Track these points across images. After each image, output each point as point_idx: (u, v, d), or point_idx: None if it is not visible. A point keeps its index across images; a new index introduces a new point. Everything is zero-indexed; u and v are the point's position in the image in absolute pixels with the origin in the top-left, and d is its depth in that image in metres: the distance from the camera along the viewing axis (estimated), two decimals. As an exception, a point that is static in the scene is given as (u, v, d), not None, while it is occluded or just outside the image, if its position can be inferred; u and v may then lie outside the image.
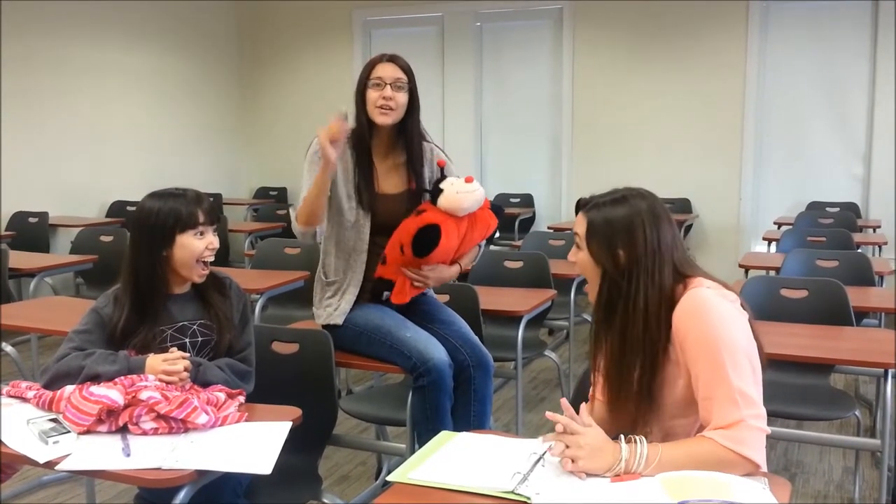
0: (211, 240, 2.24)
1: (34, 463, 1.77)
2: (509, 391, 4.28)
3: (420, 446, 1.85)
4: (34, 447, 1.80)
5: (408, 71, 2.74)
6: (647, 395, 1.71)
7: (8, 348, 3.68)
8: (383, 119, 2.70)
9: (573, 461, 1.58)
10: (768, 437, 1.62)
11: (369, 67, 2.74)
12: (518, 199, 7.78)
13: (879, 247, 5.66)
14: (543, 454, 1.67)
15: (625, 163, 7.37)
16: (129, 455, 1.77)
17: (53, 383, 2.05)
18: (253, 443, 1.86)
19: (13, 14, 6.28)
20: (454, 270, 2.79)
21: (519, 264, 4.09)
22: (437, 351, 2.58)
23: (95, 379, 2.01)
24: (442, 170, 2.76)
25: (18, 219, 6.24)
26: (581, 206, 1.81)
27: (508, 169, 7.99)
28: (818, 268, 3.96)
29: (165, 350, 2.13)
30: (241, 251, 6.21)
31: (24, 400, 2.05)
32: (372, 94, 2.69)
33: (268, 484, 2.15)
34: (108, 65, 7.20)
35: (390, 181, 2.79)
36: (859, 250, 4.61)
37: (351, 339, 2.71)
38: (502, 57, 7.91)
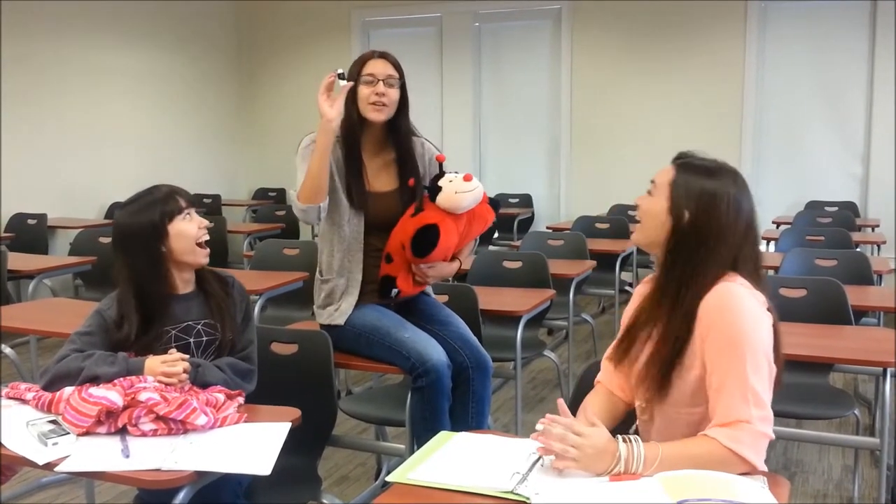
0: (200, 220, 2.25)
1: (33, 464, 1.77)
2: (508, 391, 4.28)
3: (418, 447, 1.85)
4: (33, 449, 1.80)
5: (399, 68, 2.74)
6: (665, 371, 1.69)
7: (7, 350, 3.68)
8: (376, 115, 2.69)
9: (575, 461, 1.58)
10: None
11: (360, 64, 2.72)
12: (517, 200, 7.78)
13: (878, 246, 5.66)
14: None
15: (623, 162, 7.38)
16: (128, 456, 1.77)
17: (52, 385, 2.05)
18: (252, 444, 1.86)
19: (12, 15, 6.27)
20: (454, 266, 2.79)
21: (518, 264, 4.09)
22: (435, 352, 2.58)
23: (94, 380, 2.01)
24: (440, 166, 2.75)
25: (17, 220, 6.23)
26: (676, 158, 1.78)
27: (507, 169, 8.00)
28: (817, 267, 3.97)
29: (168, 350, 2.13)
30: (240, 252, 6.21)
31: (24, 402, 2.05)
32: (364, 91, 2.68)
33: (267, 485, 2.14)
34: (108, 66, 7.20)
35: (381, 179, 2.78)
36: (858, 249, 4.62)
37: (350, 340, 2.71)
38: (501, 57, 7.91)
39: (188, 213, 2.23)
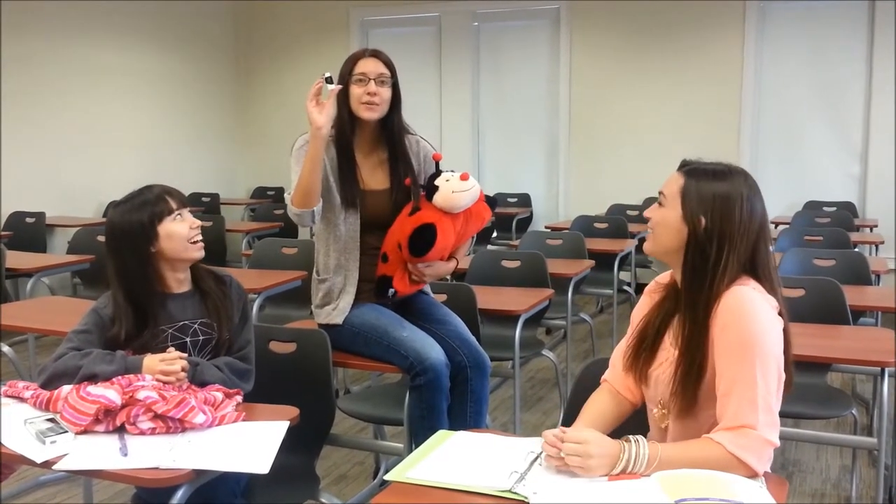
0: (192, 220, 2.24)
1: (32, 463, 1.77)
2: (507, 390, 4.29)
3: (417, 446, 1.85)
4: (32, 447, 1.80)
5: (391, 66, 2.73)
6: (694, 384, 1.68)
7: (5, 348, 3.68)
8: (369, 114, 2.68)
9: (582, 469, 1.57)
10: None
11: (351, 63, 2.70)
12: (515, 199, 7.78)
13: (876, 246, 5.67)
14: (541, 453, 1.67)
15: (621, 162, 7.39)
16: (126, 455, 1.77)
17: (51, 383, 2.05)
18: (250, 442, 1.86)
19: (11, 15, 6.27)
20: (451, 265, 2.79)
21: (516, 264, 4.09)
22: (433, 351, 2.58)
23: (93, 379, 2.01)
24: (437, 164, 2.74)
25: (15, 219, 6.23)
26: (681, 166, 1.76)
27: (505, 168, 8.00)
28: (815, 267, 3.97)
29: (165, 349, 2.13)
30: (239, 251, 6.21)
31: (22, 400, 2.05)
32: (356, 90, 2.67)
33: (265, 483, 2.14)
34: (106, 66, 7.19)
35: (375, 177, 2.77)
36: (856, 249, 4.62)
37: (348, 339, 2.71)
38: (499, 57, 7.91)
39: (179, 214, 2.22)
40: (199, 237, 2.25)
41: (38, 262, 4.58)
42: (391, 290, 2.70)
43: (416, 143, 2.85)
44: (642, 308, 1.86)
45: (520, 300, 3.46)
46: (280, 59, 8.61)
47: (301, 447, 2.27)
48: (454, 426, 2.55)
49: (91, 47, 7.04)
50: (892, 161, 6.59)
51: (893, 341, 2.68)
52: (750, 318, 1.62)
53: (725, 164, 1.74)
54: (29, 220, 6.20)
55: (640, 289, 1.93)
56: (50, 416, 1.94)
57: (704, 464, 1.55)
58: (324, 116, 2.52)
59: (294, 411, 2.03)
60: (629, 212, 6.44)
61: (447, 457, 1.73)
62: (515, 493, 1.53)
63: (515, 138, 7.93)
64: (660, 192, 1.75)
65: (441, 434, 1.86)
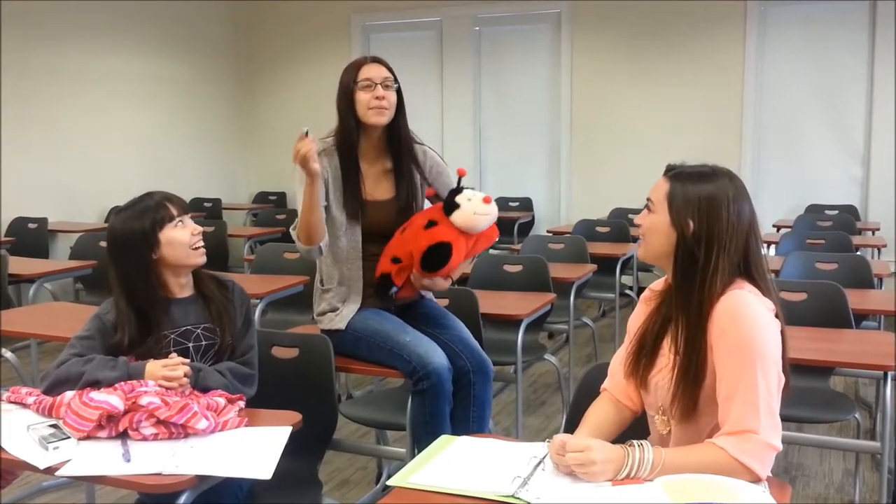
0: (193, 226, 2.25)
1: (34, 469, 1.77)
2: (509, 395, 4.28)
3: (419, 451, 1.85)
4: (34, 453, 1.80)
5: (393, 71, 2.73)
6: (694, 390, 1.68)
7: (8, 354, 3.67)
8: (378, 119, 2.67)
9: (586, 475, 1.57)
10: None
11: (355, 70, 2.70)
12: (517, 203, 7.78)
13: (878, 249, 5.66)
14: (544, 458, 1.67)
15: (623, 166, 7.38)
16: (129, 460, 1.77)
17: (53, 389, 2.05)
18: (253, 448, 1.86)
19: (12, 20, 6.28)
20: (447, 284, 2.75)
21: (518, 268, 4.09)
22: (436, 355, 2.58)
23: (95, 385, 2.01)
24: (459, 180, 2.69)
25: (18, 224, 6.24)
26: (667, 171, 1.77)
27: (507, 173, 8.00)
28: (817, 270, 3.97)
29: (167, 355, 2.13)
30: (241, 256, 6.21)
31: (25, 406, 2.05)
32: (363, 96, 2.66)
33: (268, 489, 2.15)
34: (107, 71, 7.21)
35: (380, 187, 2.77)
36: (858, 253, 4.62)
37: (351, 344, 2.71)
38: (501, 61, 7.92)
39: (180, 221, 2.22)
40: (201, 243, 2.25)
41: (40, 267, 4.58)
42: (393, 289, 2.68)
43: (424, 154, 2.84)
44: (639, 316, 1.86)
45: (522, 304, 3.46)
46: (282, 63, 8.62)
47: (304, 452, 2.26)
48: (457, 431, 2.55)
49: (93, 52, 7.06)
50: (893, 164, 6.58)
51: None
52: (749, 322, 1.62)
53: (710, 165, 1.75)
54: (31, 225, 6.21)
55: (642, 293, 1.93)
56: (53, 421, 1.94)
57: (707, 468, 1.55)
58: (317, 163, 2.49)
59: (296, 416, 2.03)
60: (631, 216, 6.43)
61: (450, 462, 1.73)
62: (518, 498, 1.53)
63: (517, 142, 7.94)
64: (648, 199, 1.76)
65: (444, 439, 1.86)
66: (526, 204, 7.79)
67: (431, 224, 2.60)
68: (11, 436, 1.87)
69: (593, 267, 4.52)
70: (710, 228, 1.67)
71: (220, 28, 8.51)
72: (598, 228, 5.80)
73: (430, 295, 2.93)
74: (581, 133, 7.60)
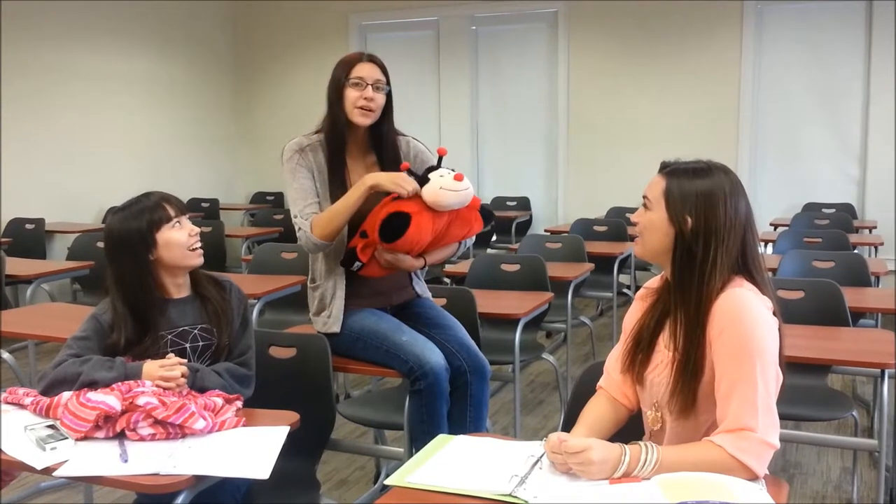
0: (191, 227, 2.24)
1: (32, 469, 1.77)
2: (507, 394, 4.28)
3: (417, 450, 1.85)
4: (32, 453, 1.80)
5: (386, 73, 2.72)
6: (692, 385, 1.68)
7: (5, 355, 3.67)
8: (363, 120, 2.67)
9: (584, 474, 1.57)
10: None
11: (348, 66, 2.68)
12: (514, 202, 7.79)
13: (875, 247, 5.67)
14: (541, 457, 1.67)
15: (620, 165, 7.39)
16: (126, 461, 1.77)
17: (51, 390, 2.05)
18: (251, 448, 1.86)
19: (8, 21, 6.27)
20: (417, 263, 2.69)
21: (516, 267, 4.09)
22: (433, 355, 2.58)
23: (92, 385, 2.01)
24: (440, 159, 2.67)
25: (15, 225, 6.23)
26: (662, 168, 1.77)
27: (504, 172, 8.01)
28: (814, 269, 3.97)
29: (164, 355, 2.13)
30: (238, 256, 6.21)
31: (22, 406, 2.05)
32: (352, 94, 2.65)
33: (266, 489, 2.15)
34: (105, 71, 7.20)
35: None
36: (855, 251, 4.62)
37: (348, 344, 2.71)
38: (498, 60, 7.92)
39: (178, 222, 2.22)
40: (199, 244, 2.25)
41: (37, 268, 4.58)
42: (357, 263, 2.64)
43: (407, 144, 2.84)
44: (634, 313, 1.87)
45: (519, 304, 3.46)
46: (279, 63, 8.62)
47: (301, 452, 2.27)
48: (454, 430, 2.55)
49: (90, 53, 7.05)
50: (891, 162, 6.59)
51: (893, 343, 2.68)
52: (748, 320, 1.62)
53: (705, 161, 1.75)
54: (28, 226, 6.20)
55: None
56: (50, 422, 1.94)
57: (705, 466, 1.55)
58: (411, 186, 2.52)
59: (294, 416, 2.03)
60: (628, 214, 6.40)
61: (447, 461, 1.73)
62: (516, 496, 1.53)
63: (514, 142, 7.94)
64: (644, 196, 1.76)
65: (441, 438, 1.86)
66: (523, 203, 7.79)
67: (398, 198, 2.56)
68: (9, 436, 1.87)
69: (591, 266, 4.52)
70: (707, 224, 1.67)
71: (218, 28, 8.50)
72: (596, 227, 5.81)
73: (427, 294, 2.93)
74: (578, 132, 7.60)
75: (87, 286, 5.22)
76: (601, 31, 7.44)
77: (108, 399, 1.89)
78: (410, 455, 2.19)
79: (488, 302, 3.40)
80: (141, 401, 1.89)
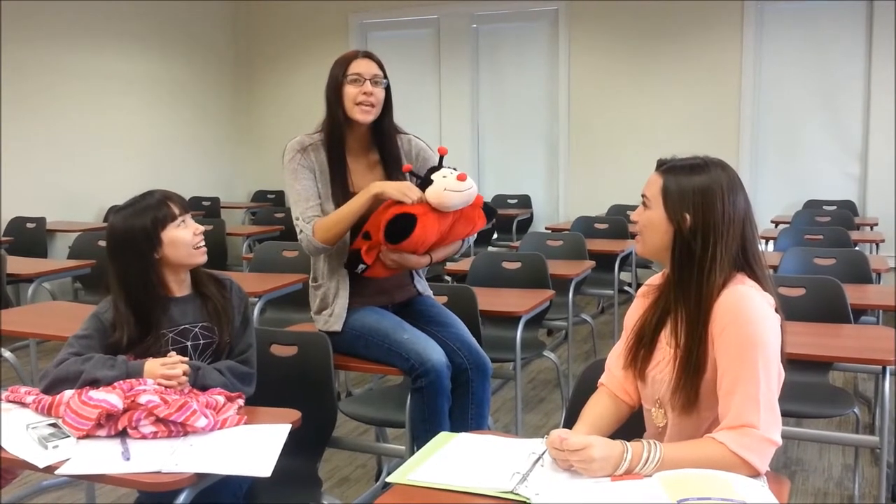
0: (195, 225, 2.24)
1: (34, 468, 1.77)
2: (508, 392, 4.29)
3: (418, 448, 1.85)
4: (34, 452, 1.80)
5: (383, 68, 2.71)
6: (695, 382, 1.68)
7: (7, 354, 3.68)
8: (364, 116, 2.66)
9: (585, 471, 1.57)
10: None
11: (345, 63, 2.67)
12: (515, 200, 7.79)
13: (877, 244, 5.67)
14: (543, 454, 1.67)
15: (621, 163, 7.39)
16: (128, 459, 1.77)
17: (52, 388, 2.05)
18: (252, 446, 1.86)
19: (9, 20, 6.27)
20: (422, 262, 2.69)
21: (517, 265, 4.09)
22: (434, 353, 2.58)
23: (94, 384, 2.01)
24: (441, 159, 2.67)
25: (16, 224, 6.23)
26: (658, 165, 1.77)
27: (505, 170, 8.01)
28: (816, 266, 3.97)
29: (166, 353, 2.13)
30: (239, 254, 6.21)
31: (24, 405, 2.05)
32: (351, 90, 2.64)
33: (268, 487, 2.15)
34: (106, 70, 7.20)
35: (367, 180, 2.72)
36: (856, 248, 4.62)
37: (349, 342, 2.71)
38: (498, 59, 7.92)
39: (183, 221, 2.22)
40: (203, 243, 2.25)
41: (38, 267, 4.58)
42: (361, 266, 2.64)
43: (409, 142, 2.84)
44: (636, 310, 1.87)
45: (521, 301, 3.46)
46: (279, 62, 8.62)
47: (303, 450, 2.27)
48: (455, 428, 2.55)
49: (91, 52, 7.05)
50: (891, 159, 6.59)
51: (894, 340, 2.68)
52: (750, 317, 1.62)
53: (702, 157, 1.75)
54: (29, 225, 6.20)
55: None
56: (52, 421, 1.94)
57: (707, 463, 1.55)
58: (417, 195, 2.51)
59: (296, 414, 2.03)
60: (629, 212, 6.43)
61: (449, 459, 1.73)
62: (517, 494, 1.53)
63: (515, 140, 7.94)
64: (642, 195, 1.76)
65: (443, 436, 1.86)
66: (524, 201, 7.79)
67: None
68: (11, 435, 1.87)
69: (592, 263, 4.52)
70: (706, 220, 1.67)
71: (218, 27, 8.50)
72: (597, 225, 5.81)
73: (428, 292, 2.93)
74: (579, 130, 7.60)
75: (88, 285, 5.23)
76: (602, 30, 7.43)
77: (110, 397, 1.90)
78: (412, 453, 2.19)
79: (489, 300, 3.40)
80: (143, 399, 1.89)
